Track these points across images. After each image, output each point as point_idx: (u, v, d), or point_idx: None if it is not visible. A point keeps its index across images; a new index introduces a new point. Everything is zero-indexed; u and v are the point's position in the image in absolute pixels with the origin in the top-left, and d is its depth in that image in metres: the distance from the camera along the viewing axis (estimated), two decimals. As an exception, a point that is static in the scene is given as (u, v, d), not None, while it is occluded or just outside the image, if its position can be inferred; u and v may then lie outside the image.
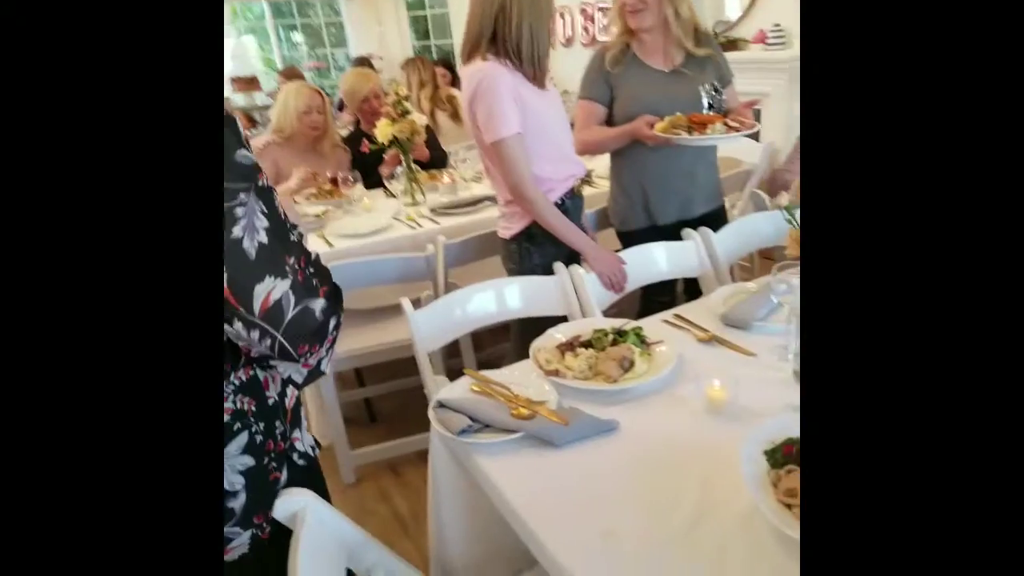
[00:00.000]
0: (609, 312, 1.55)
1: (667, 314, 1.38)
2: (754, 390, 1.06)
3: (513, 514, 0.91)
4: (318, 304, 0.70)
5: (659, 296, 1.75)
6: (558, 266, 1.54)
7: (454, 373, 1.44)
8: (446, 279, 1.92)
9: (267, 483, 0.81)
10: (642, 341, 1.20)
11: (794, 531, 0.76)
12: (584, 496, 0.91)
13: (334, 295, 0.74)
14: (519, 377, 1.16)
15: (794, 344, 1.03)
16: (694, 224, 1.68)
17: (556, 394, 1.09)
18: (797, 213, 1.05)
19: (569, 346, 1.21)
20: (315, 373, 0.82)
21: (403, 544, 1.74)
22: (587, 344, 1.21)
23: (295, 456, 0.87)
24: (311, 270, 0.71)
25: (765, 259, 2.51)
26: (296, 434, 0.88)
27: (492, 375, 1.17)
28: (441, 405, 1.08)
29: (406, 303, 1.38)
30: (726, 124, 1.52)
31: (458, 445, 1.04)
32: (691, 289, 1.83)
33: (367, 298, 2.06)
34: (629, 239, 1.77)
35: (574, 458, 0.98)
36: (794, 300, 1.10)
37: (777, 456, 0.88)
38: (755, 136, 2.45)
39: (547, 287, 1.52)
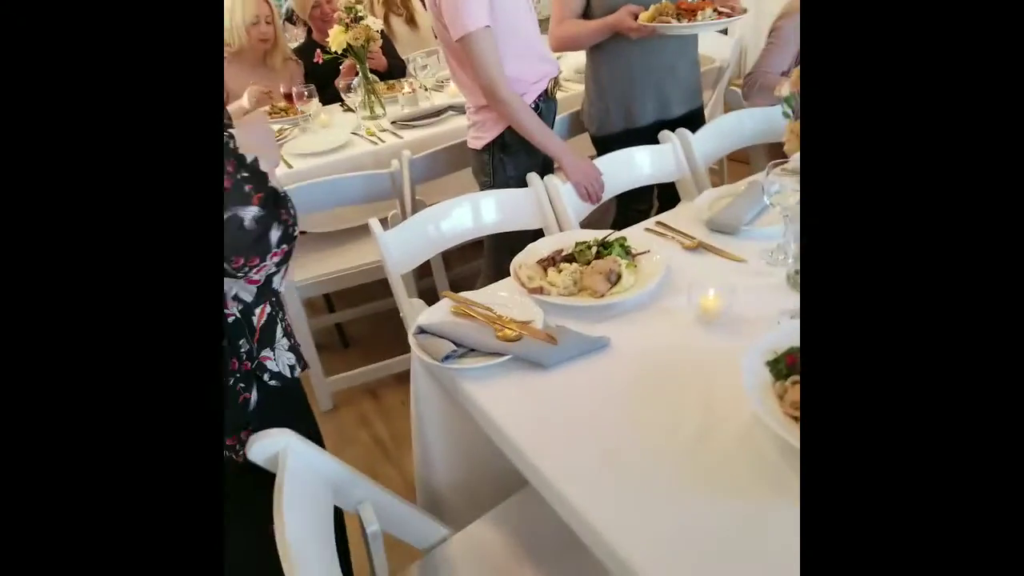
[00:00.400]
0: (584, 224, 1.43)
1: (649, 222, 1.26)
2: (748, 297, 0.97)
3: (504, 439, 0.83)
4: (249, 212, 0.60)
5: (636, 204, 1.62)
6: (532, 177, 1.39)
7: (427, 294, 1.33)
8: (413, 196, 1.75)
9: (235, 404, 0.75)
10: (627, 252, 1.09)
11: (804, 445, 0.69)
12: (578, 417, 0.83)
13: (272, 202, 0.63)
14: (502, 297, 1.04)
15: (794, 246, 0.93)
16: (672, 126, 1.53)
17: (542, 313, 0.98)
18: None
19: (551, 261, 1.09)
20: (266, 290, 0.74)
21: (386, 469, 1.69)
22: (570, 258, 1.09)
23: (266, 376, 0.80)
24: (244, 175, 0.61)
25: (735, 162, 2.39)
26: (266, 353, 0.80)
27: (473, 296, 1.05)
28: (422, 331, 0.96)
29: (374, 223, 1.23)
30: (716, 10, 1.33)
31: (442, 372, 0.93)
32: (665, 196, 1.70)
33: (331, 220, 1.88)
34: (605, 144, 1.61)
35: (565, 379, 0.89)
36: (789, 200, 0.99)
37: (780, 367, 0.80)
38: (724, 30, 2.26)
39: (522, 200, 1.38)
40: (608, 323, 0.99)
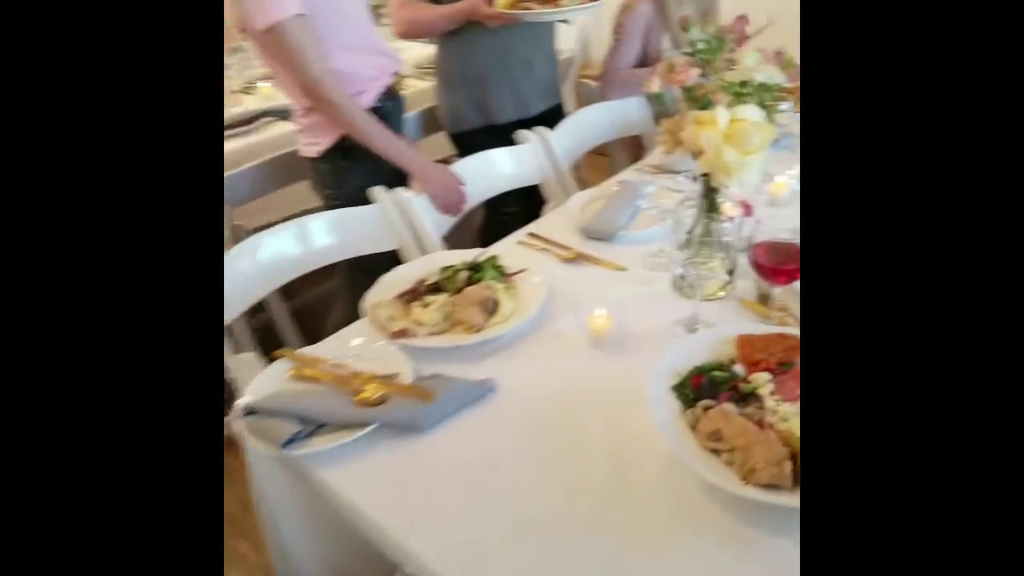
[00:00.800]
0: (448, 237, 1.32)
1: (520, 234, 1.19)
2: (636, 310, 0.93)
3: (377, 529, 0.71)
4: None
5: (504, 208, 1.55)
6: (375, 191, 1.24)
7: (264, 333, 1.13)
8: (230, 222, 1.52)
9: None
10: (502, 274, 1.00)
11: (727, 482, 0.66)
12: (466, 483, 0.73)
13: None
14: (357, 347, 0.89)
15: (678, 253, 0.90)
16: (533, 123, 1.48)
17: (410, 361, 0.85)
18: (673, 95, 0.88)
19: (414, 294, 0.96)
20: None
21: (237, 544, 1.47)
22: (436, 288, 0.97)
23: None
24: None
25: (596, 155, 2.42)
26: None
27: (319, 350, 0.89)
28: (252, 412, 0.78)
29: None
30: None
31: (288, 459, 0.77)
32: (530, 197, 1.65)
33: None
34: (463, 142, 1.52)
35: (446, 438, 0.79)
36: (664, 201, 0.97)
37: (687, 391, 0.77)
38: (564, 20, 2.27)
39: (368, 218, 1.23)
40: (491, 360, 0.89)
